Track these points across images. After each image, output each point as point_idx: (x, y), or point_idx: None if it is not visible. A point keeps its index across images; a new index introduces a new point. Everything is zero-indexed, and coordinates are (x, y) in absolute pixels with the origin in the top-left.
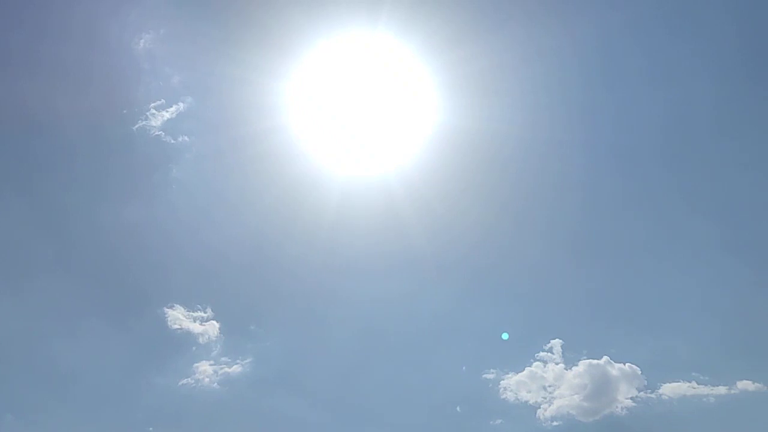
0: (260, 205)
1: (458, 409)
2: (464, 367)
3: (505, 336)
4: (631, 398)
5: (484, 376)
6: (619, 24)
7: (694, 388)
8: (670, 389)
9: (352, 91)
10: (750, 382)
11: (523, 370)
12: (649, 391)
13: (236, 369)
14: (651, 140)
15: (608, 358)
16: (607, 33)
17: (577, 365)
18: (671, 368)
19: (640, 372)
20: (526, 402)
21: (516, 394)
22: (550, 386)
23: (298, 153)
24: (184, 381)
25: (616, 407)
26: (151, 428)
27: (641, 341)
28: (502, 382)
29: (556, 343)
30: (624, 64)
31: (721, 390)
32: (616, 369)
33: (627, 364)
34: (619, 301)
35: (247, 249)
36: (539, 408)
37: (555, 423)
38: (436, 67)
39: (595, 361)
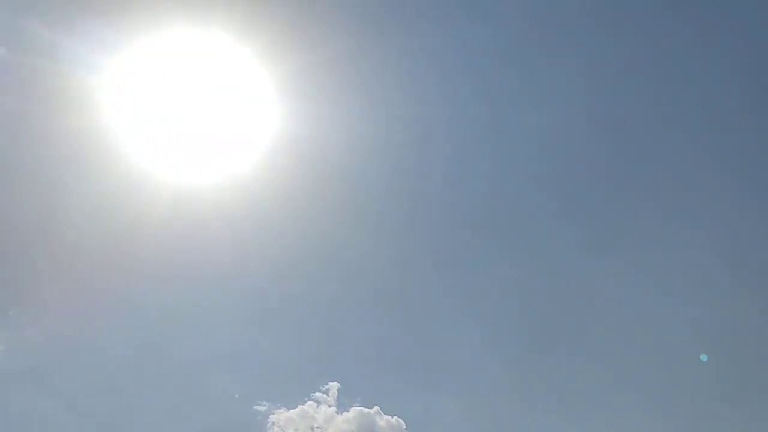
0: (52, 182)
1: None
2: (237, 395)
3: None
4: None
5: (255, 407)
6: (478, 39)
7: None
8: None
9: (185, 94)
10: None
11: (296, 407)
12: None
13: None
14: (478, 187)
15: (379, 408)
16: (464, 50)
17: (348, 411)
18: (432, 427)
19: (404, 426)
20: None
21: (283, 429)
22: (318, 427)
23: (107, 139)
24: None
25: None
26: None
27: (413, 396)
28: (272, 416)
29: (334, 386)
30: (484, 83)
31: None
32: (384, 420)
33: (395, 417)
34: (404, 355)
35: (27, 226)
36: None
37: None
38: (277, 73)
39: (366, 410)
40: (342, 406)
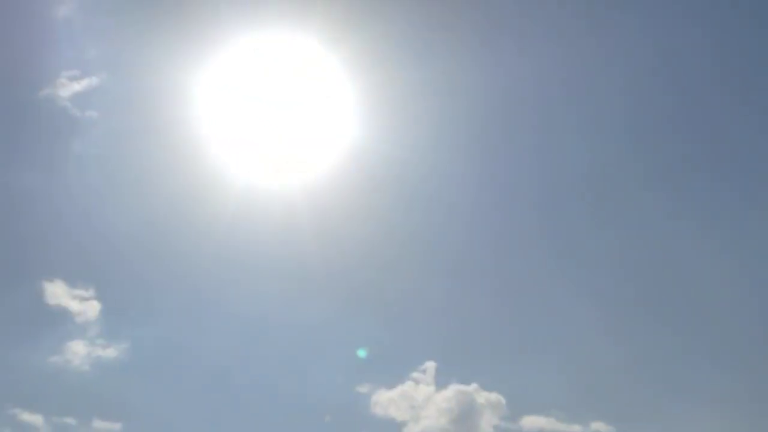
0: (159, 193)
1: (327, 418)
2: (339, 378)
3: (361, 353)
4: (494, 427)
5: (357, 388)
6: (554, 62)
7: (552, 423)
8: (530, 422)
9: (269, 96)
10: (603, 423)
11: (396, 387)
12: (511, 421)
13: (111, 352)
14: (570, 189)
15: (477, 385)
16: (540, 72)
17: (446, 389)
18: (534, 402)
19: (504, 402)
20: (394, 419)
21: (386, 410)
22: (418, 406)
23: (205, 149)
24: (54, 359)
25: None
26: (10, 404)
27: (510, 373)
28: (373, 396)
29: (431, 365)
30: (556, 108)
31: (576, 428)
32: (483, 397)
33: (494, 393)
34: (500, 331)
35: (139, 234)
36: (405, 426)
37: None
38: (359, 84)
39: (464, 387)
40: (440, 385)
